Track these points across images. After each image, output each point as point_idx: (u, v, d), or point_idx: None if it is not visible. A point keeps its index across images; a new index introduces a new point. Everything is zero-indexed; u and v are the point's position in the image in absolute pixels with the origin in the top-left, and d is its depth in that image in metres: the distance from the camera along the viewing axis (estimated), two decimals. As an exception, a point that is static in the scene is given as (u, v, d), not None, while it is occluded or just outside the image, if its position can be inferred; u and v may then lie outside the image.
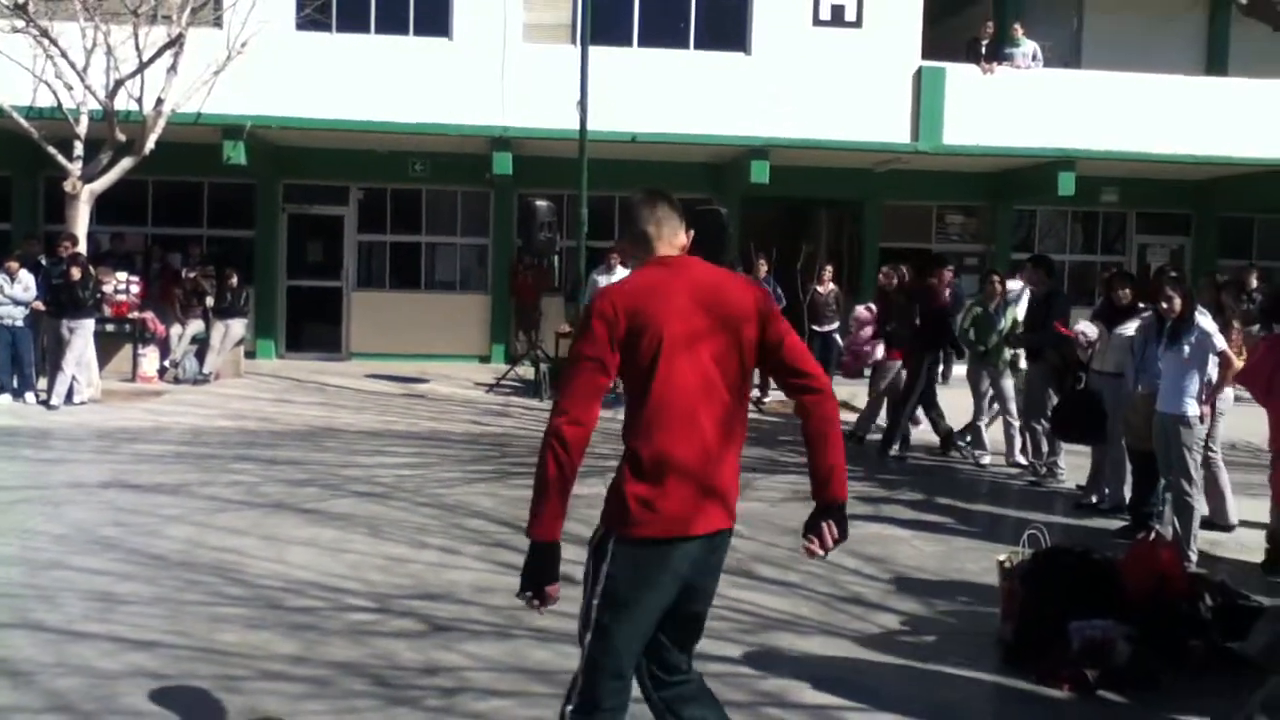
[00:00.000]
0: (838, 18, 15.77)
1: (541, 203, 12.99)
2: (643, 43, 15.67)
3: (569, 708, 2.88)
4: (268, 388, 13.18)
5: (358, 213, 16.94)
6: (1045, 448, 8.92)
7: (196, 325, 13.65)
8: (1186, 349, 6.45)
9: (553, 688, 4.26)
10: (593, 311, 2.81)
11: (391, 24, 15.22)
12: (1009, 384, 9.51)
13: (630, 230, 2.98)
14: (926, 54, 15.82)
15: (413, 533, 6.60)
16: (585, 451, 2.77)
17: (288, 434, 9.98)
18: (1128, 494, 7.48)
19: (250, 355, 15.48)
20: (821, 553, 2.91)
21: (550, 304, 15.97)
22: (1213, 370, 6.52)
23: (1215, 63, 17.52)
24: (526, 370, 13.84)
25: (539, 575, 2.85)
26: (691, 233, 3.04)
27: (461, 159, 16.11)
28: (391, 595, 5.38)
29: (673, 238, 2.95)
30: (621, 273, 13.29)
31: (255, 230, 16.65)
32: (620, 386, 2.90)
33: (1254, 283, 15.42)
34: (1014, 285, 9.97)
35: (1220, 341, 6.55)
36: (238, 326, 13.87)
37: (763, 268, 12.75)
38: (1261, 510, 6.93)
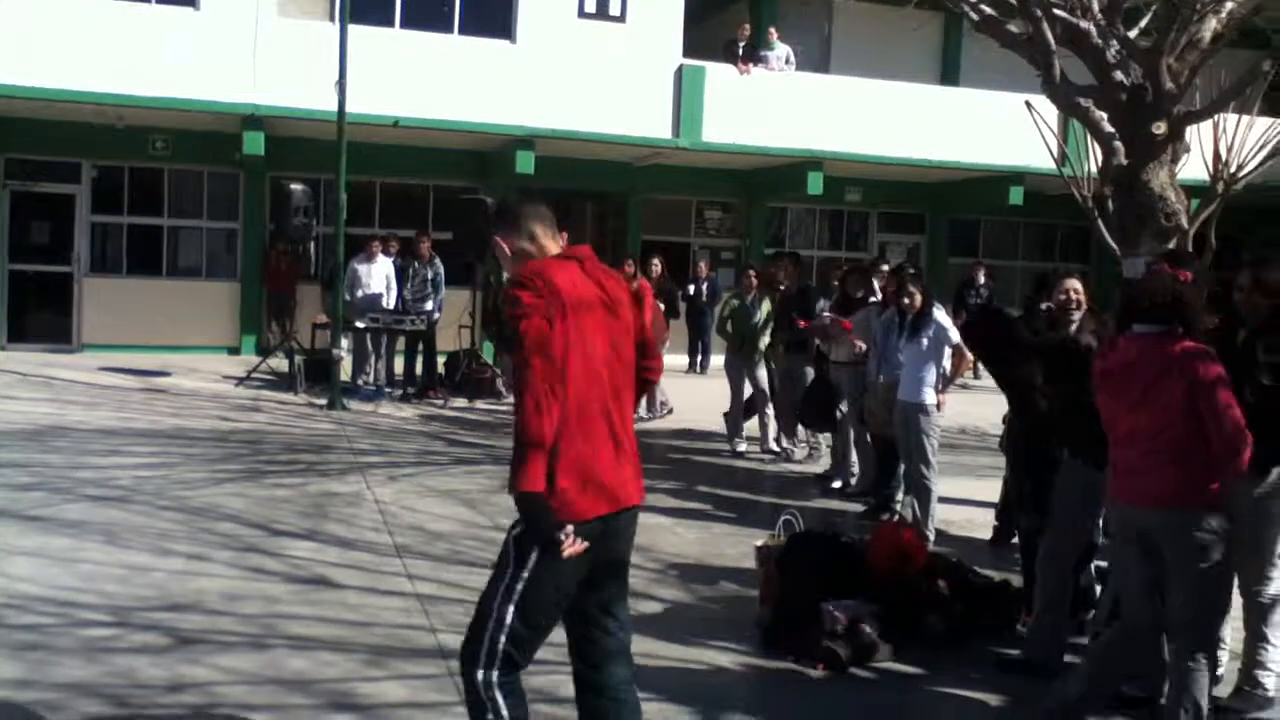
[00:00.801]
0: (602, 11, 15.94)
1: (297, 186, 12.46)
2: (406, 24, 15.30)
3: (492, 673, 2.96)
4: (-14, 382, 12.01)
5: (91, 192, 15.67)
6: (803, 432, 9.39)
7: (-101, 313, 12.29)
8: (925, 341, 6.91)
9: (312, 698, 4.10)
10: (525, 284, 2.91)
11: (129, -10, 14.17)
12: (763, 374, 9.89)
13: (518, 228, 3.12)
14: (687, 52, 16.22)
15: (155, 539, 6.16)
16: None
17: (10, 434, 9.12)
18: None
19: (-35, 346, 14.08)
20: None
21: (305, 292, 15.32)
22: (947, 362, 7.00)
23: (948, 74, 18.87)
24: (280, 362, 13.22)
25: (549, 524, 2.89)
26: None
27: (209, 137, 15.18)
28: (131, 608, 5.00)
29: (556, 236, 3.18)
30: (383, 261, 12.94)
31: (-30, 208, 15.14)
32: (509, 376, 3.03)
33: (981, 278, 16.74)
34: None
35: (955, 335, 7.04)
36: (-51, 314, 12.57)
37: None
38: (989, 490, 7.51)
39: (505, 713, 2.97)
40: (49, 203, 15.55)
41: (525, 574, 2.94)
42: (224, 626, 4.83)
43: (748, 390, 10.00)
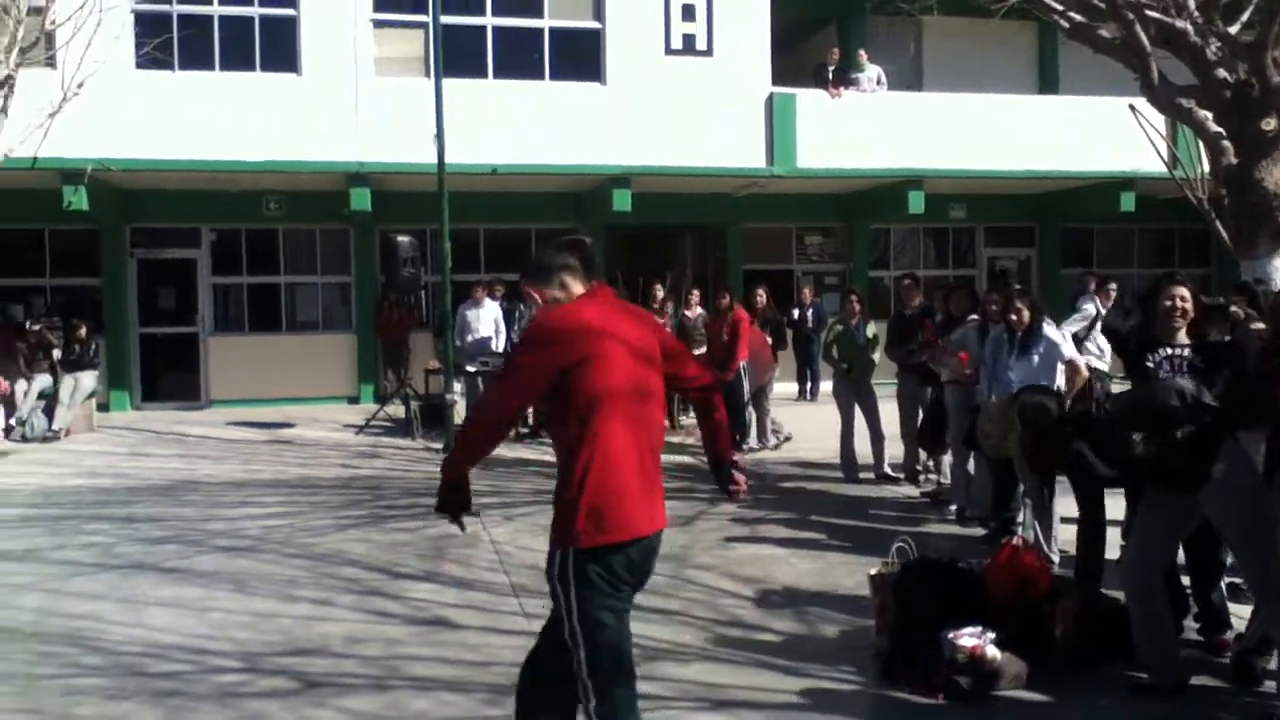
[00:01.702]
0: (689, 47, 16.06)
1: (403, 238, 12.79)
2: (498, 74, 15.65)
3: (593, 706, 3.17)
4: (123, 441, 12.60)
5: (211, 255, 16.40)
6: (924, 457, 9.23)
7: (44, 380, 12.98)
8: (1036, 358, 6.74)
9: (434, 738, 4.17)
10: (541, 327, 3.19)
11: (237, 61, 14.83)
12: (873, 399, 9.76)
13: (549, 280, 3.34)
14: (776, 80, 16.23)
15: (282, 586, 6.37)
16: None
17: (145, 489, 9.55)
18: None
19: (103, 408, 14.81)
20: (745, 490, 3.58)
21: (417, 340, 15.73)
22: (1060, 378, 6.81)
23: (1047, 83, 18.48)
24: (396, 409, 13.58)
25: (461, 502, 3.30)
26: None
27: (318, 196, 15.78)
28: (260, 653, 5.18)
29: (587, 284, 3.35)
30: (490, 306, 13.22)
31: (102, 278, 15.97)
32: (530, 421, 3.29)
33: (1092, 286, 16.24)
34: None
35: (1069, 350, 6.86)
36: (88, 379, 13.24)
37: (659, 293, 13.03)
38: (1116, 509, 7.24)
39: None
40: (172, 268, 16.32)
41: (579, 609, 3.13)
42: (348, 669, 4.96)
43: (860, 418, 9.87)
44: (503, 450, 11.63)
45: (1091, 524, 5.92)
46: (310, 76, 14.90)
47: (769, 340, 11.99)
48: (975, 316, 8.08)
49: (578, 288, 3.32)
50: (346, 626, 5.61)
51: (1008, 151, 16.24)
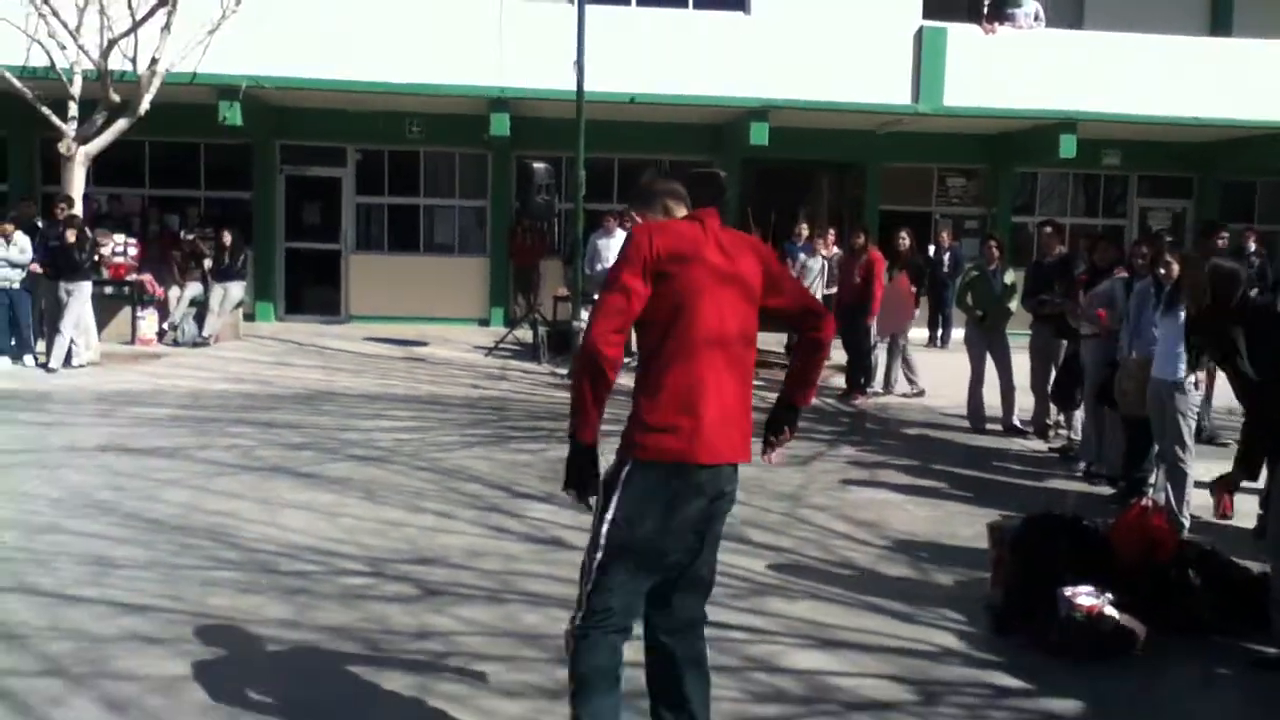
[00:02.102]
0: (840, -24, 15.61)
1: (539, 165, 12.92)
2: (641, 1, 15.52)
3: (577, 615, 3.10)
4: (266, 350, 13.18)
5: (355, 175, 16.86)
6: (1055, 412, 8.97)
7: (195, 288, 13.63)
8: (1182, 315, 6.41)
9: (544, 652, 4.30)
10: (631, 243, 3.05)
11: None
12: (1006, 349, 9.50)
13: (652, 205, 3.26)
14: (928, 14, 15.67)
15: (409, 497, 6.62)
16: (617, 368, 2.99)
17: (286, 397, 10.00)
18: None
19: (249, 318, 15.49)
20: (777, 452, 3.35)
21: (549, 267, 15.94)
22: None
23: (1219, 23, 17.34)
24: (525, 333, 13.83)
25: (582, 473, 3.04)
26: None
27: (459, 120, 15.99)
28: (385, 559, 5.41)
29: (683, 208, 3.27)
30: (620, 235, 13.27)
31: (252, 192, 16.59)
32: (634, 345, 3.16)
33: (1251, 245, 15.38)
34: None
35: (1217, 307, 6.51)
36: (236, 289, 13.85)
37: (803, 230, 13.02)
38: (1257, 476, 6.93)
39: (586, 678, 3.09)
40: (318, 185, 16.85)
41: (611, 513, 3.03)
42: (466, 580, 5.14)
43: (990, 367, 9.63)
44: (625, 379, 11.82)
45: None
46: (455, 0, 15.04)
47: (913, 288, 11.69)
48: (1121, 269, 7.74)
49: (681, 213, 3.23)
50: (467, 539, 5.80)
51: (1170, 96, 15.37)
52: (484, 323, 16.60)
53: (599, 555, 3.06)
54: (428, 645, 4.36)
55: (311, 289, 16.96)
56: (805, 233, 14.14)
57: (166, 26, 12.08)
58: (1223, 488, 4.76)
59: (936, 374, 11.43)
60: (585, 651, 3.09)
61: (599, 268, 13.07)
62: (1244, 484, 5.67)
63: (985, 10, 15.78)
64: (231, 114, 14.32)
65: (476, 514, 6.30)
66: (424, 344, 14.07)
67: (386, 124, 16.25)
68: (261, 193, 16.53)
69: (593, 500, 3.06)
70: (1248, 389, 4.78)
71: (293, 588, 4.95)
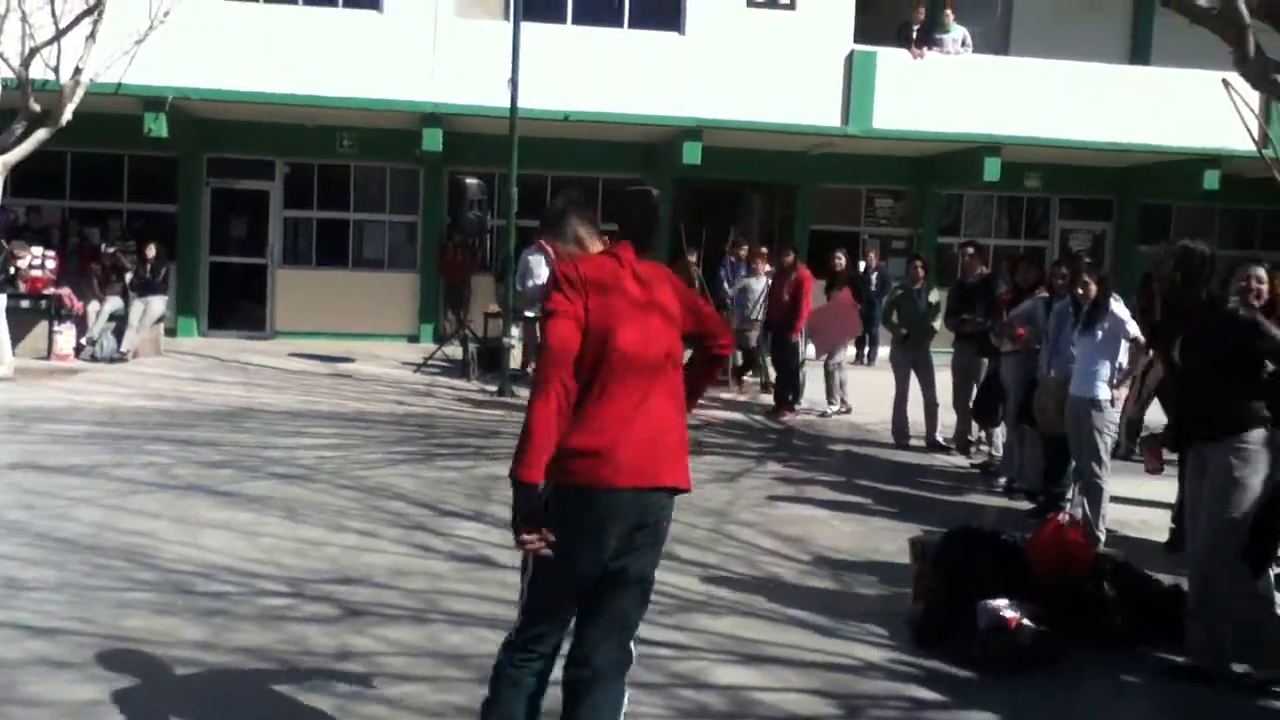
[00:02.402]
0: (771, 0, 15.81)
1: (472, 180, 12.86)
2: (577, 20, 15.58)
3: (509, 636, 3.17)
4: (188, 366, 12.92)
5: (284, 188, 16.63)
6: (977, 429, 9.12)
7: (115, 302, 13.30)
8: (1100, 334, 6.59)
9: (468, 672, 4.25)
10: (560, 274, 3.06)
11: (317, -6, 14.94)
12: (930, 366, 9.65)
13: (562, 233, 3.27)
14: (858, 38, 15.93)
15: (331, 515, 6.51)
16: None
17: (206, 414, 9.80)
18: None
19: (171, 333, 15.18)
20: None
21: (480, 283, 15.85)
22: (1124, 356, 6.66)
23: (1138, 52, 17.88)
24: (455, 350, 13.74)
25: (534, 514, 2.93)
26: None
27: (391, 135, 15.87)
28: (306, 579, 5.31)
29: (600, 237, 3.29)
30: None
31: (177, 205, 16.27)
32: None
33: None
34: None
35: (1134, 328, 6.69)
36: (158, 304, 13.55)
37: (691, 258, 12.99)
38: (1168, 490, 7.12)
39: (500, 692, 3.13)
40: (245, 199, 16.60)
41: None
42: (389, 600, 5.07)
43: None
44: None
45: None
46: (391, 15, 14.97)
47: (858, 305, 11.76)
48: (1042, 289, 7.92)
49: (592, 244, 3.25)
50: (391, 558, 5.72)
51: (1091, 122, 15.79)
52: (413, 339, 16.44)
53: (527, 576, 3.11)
54: (349, 667, 4.28)
55: (236, 304, 16.67)
56: (745, 253, 14.19)
57: (92, 35, 11.82)
58: (1152, 445, 5.07)
59: (863, 391, 11.57)
60: (505, 684, 3.13)
61: (530, 284, 13.03)
62: (1154, 500, 5.84)
63: (914, 36, 16.09)
64: (157, 125, 14.06)
65: (401, 532, 6.22)
66: (350, 360, 13.90)
67: (317, 138, 16.07)
68: (186, 206, 16.22)
69: (533, 541, 2.93)
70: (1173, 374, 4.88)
71: (209, 609, 4.84)
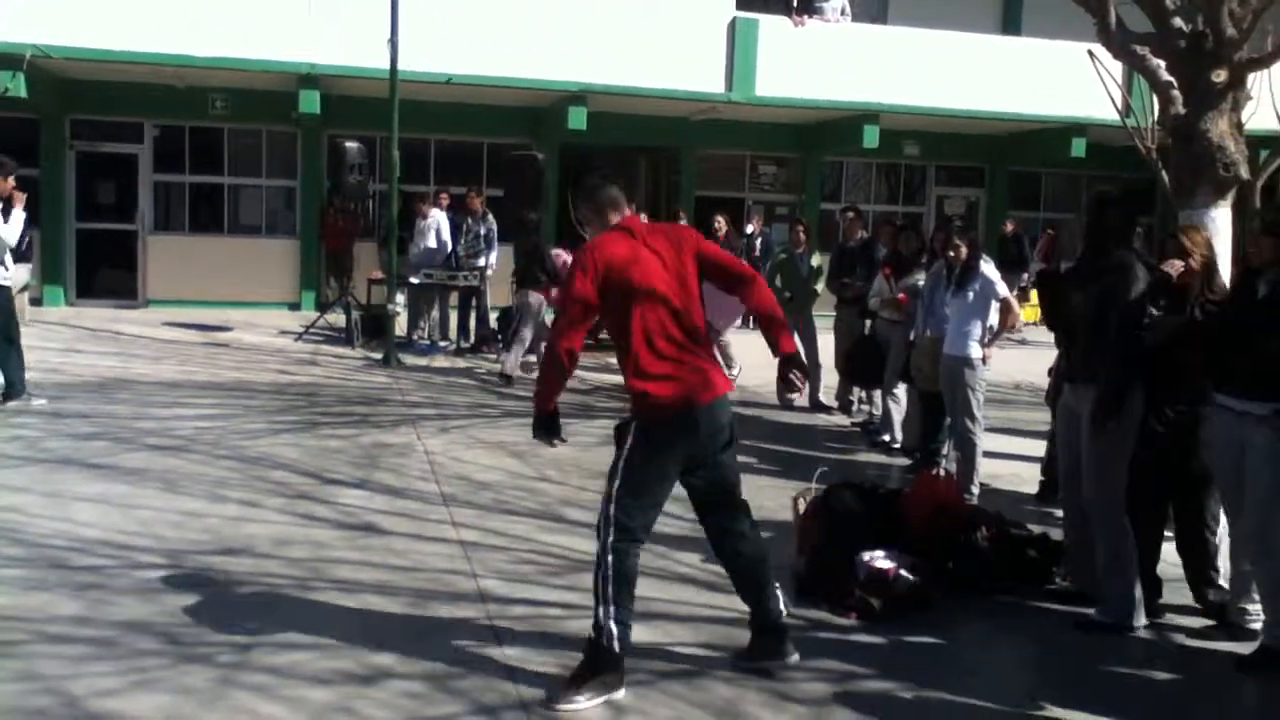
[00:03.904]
0: (656, -35, 15.78)
1: (351, 144, 12.58)
2: (460, -19, 15.27)
3: (609, 539, 3.85)
4: (55, 337, 12.37)
5: (153, 151, 15.99)
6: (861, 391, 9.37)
7: (-28, 270, 12.64)
8: (971, 295, 6.83)
9: (354, 638, 4.22)
10: (579, 260, 3.86)
11: (188, -49, 14.33)
12: (813, 329, 9.86)
13: (595, 209, 4.04)
14: (740, 5, 16.03)
15: (211, 486, 6.36)
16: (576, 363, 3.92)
17: (76, 385, 9.43)
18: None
19: (36, 303, 14.51)
20: (800, 394, 4.46)
21: (362, 249, 15.53)
22: (994, 317, 6.92)
23: (1010, 23, 18.44)
24: (337, 317, 13.46)
25: (550, 430, 4.08)
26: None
27: (266, 96, 15.40)
28: (185, 551, 5.19)
29: (624, 211, 4.05)
30: (436, 215, 13.08)
31: (39, 169, 15.49)
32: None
33: (1009, 229, 16.25)
34: None
35: (1003, 289, 6.96)
36: (21, 272, 12.88)
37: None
38: (1038, 447, 7.46)
39: (609, 572, 3.82)
40: (113, 162, 15.91)
41: (624, 456, 3.86)
42: (271, 569, 4.99)
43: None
44: (443, 363, 11.69)
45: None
46: (264, -29, 14.45)
47: None
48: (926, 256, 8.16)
49: (615, 218, 3.98)
50: (274, 528, 5.62)
51: (965, 91, 16.24)
52: (294, 307, 16.05)
53: (617, 483, 3.86)
54: (231, 638, 4.20)
55: (106, 272, 16.01)
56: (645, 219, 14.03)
57: (-64, -13, 11.16)
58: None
59: (747, 354, 11.71)
60: (619, 559, 3.85)
61: (413, 250, 12.88)
62: (1025, 454, 6.07)
63: (795, 4, 16.27)
64: (14, 85, 13.33)
65: (283, 502, 6.11)
66: (228, 329, 13.51)
67: (188, 99, 15.48)
68: (50, 170, 15.46)
69: (561, 438, 4.18)
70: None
71: (84, 583, 4.69)
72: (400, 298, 12.29)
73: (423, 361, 11.79)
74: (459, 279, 12.75)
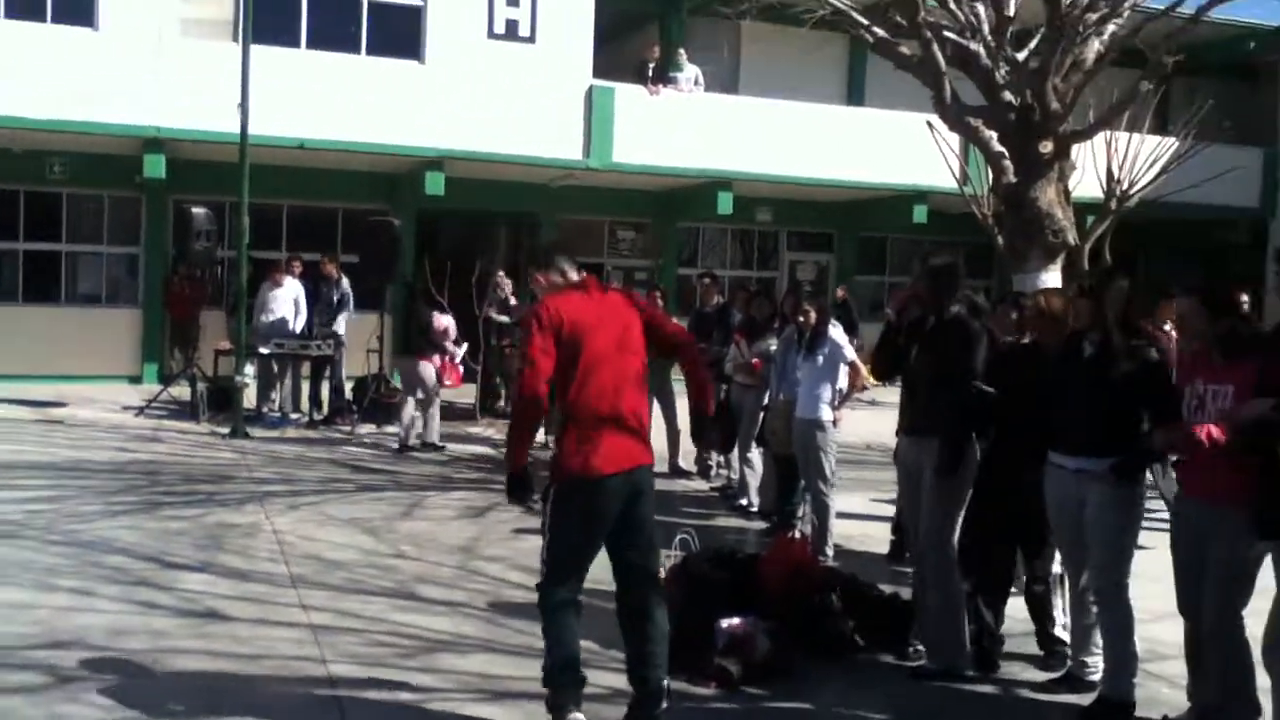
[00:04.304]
0: (512, 32, 15.91)
1: (199, 210, 12.23)
2: (311, 45, 15.09)
3: (538, 583, 4.17)
4: None
5: (-16, 218, 15.19)
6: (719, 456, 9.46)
7: None
8: (821, 359, 7.01)
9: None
10: (536, 316, 4.02)
11: (25, 9, 13.79)
12: (671, 394, 9.93)
13: (550, 266, 4.27)
14: (598, 73, 16.30)
15: (40, 575, 5.97)
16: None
17: (-109, 468, 8.79)
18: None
19: None
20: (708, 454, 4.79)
21: (209, 318, 14.97)
22: (843, 379, 7.11)
23: (854, 93, 19.23)
24: (182, 390, 12.90)
25: (526, 489, 4.17)
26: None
27: (109, 160, 14.83)
28: (12, 646, 4.84)
29: (576, 267, 4.30)
30: (290, 284, 12.75)
31: None
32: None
33: (840, 295, 16.77)
34: None
35: (850, 353, 7.16)
36: None
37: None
38: (889, 507, 7.64)
39: (548, 621, 4.11)
40: (-61, 229, 15.04)
41: (548, 520, 4.07)
42: (107, 662, 4.70)
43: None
44: (295, 435, 11.32)
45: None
46: (107, 32, 13.99)
47: None
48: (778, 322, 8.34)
49: (572, 274, 4.21)
50: (109, 618, 5.31)
51: (813, 159, 16.80)
52: (135, 380, 15.32)
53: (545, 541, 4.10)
54: (57, 739, 3.94)
55: (-71, 344, 15.04)
56: (509, 286, 13.82)
57: None
58: None
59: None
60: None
61: (265, 319, 12.53)
62: (876, 515, 6.21)
63: (650, 73, 16.63)
64: None
65: (120, 589, 5.78)
66: (63, 404, 12.78)
67: (24, 163, 14.79)
68: None
69: (535, 502, 4.21)
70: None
71: (-110, 687, 4.33)
72: (249, 368, 11.89)
73: (274, 435, 11.40)
74: (311, 348, 12.43)
